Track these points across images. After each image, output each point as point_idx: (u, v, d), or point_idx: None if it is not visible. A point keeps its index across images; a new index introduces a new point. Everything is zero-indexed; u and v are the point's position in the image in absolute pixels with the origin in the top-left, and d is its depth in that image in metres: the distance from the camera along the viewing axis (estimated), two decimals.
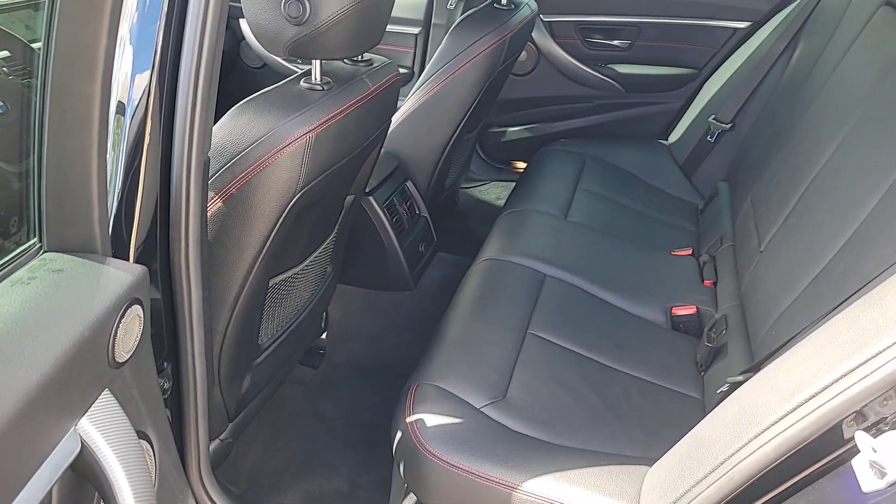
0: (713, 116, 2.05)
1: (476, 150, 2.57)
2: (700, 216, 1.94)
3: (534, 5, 1.90)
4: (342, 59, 1.12)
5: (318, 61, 1.00)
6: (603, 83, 2.31)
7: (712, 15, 2.17)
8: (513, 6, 1.75)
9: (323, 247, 1.26)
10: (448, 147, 1.76)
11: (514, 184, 2.14)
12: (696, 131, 2.13)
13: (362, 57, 1.14)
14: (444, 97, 1.66)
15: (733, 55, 2.17)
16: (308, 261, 1.21)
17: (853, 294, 0.87)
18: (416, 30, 2.37)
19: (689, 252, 1.69)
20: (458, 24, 1.67)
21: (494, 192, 2.61)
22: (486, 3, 1.77)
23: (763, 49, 2.00)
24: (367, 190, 1.54)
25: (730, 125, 2.02)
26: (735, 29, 2.17)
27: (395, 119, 1.70)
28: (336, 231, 1.31)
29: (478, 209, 2.55)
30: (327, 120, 0.96)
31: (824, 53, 1.67)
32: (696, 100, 2.25)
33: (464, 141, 1.93)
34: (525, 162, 2.56)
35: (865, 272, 0.94)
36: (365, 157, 1.21)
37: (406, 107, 1.71)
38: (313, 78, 1.01)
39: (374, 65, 1.15)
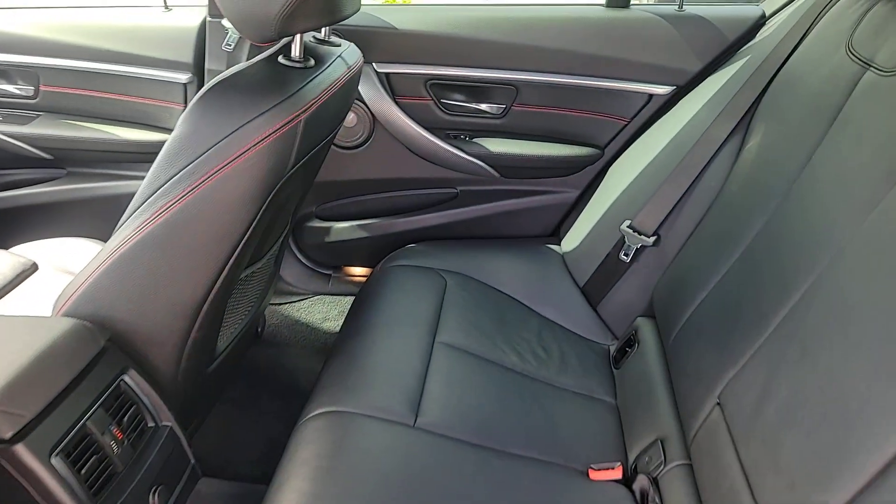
0: (627, 223, 1.36)
1: (291, 248, 1.76)
2: (615, 369, 1.31)
3: (356, 53, 1.15)
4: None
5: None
6: (469, 164, 1.58)
7: (620, 74, 1.49)
8: (311, 62, 0.98)
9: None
10: (210, 300, 0.94)
11: (347, 298, 1.69)
12: (602, 241, 1.43)
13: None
14: (189, 223, 0.86)
15: (649, 131, 1.50)
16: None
17: None
18: (184, 77, 1.54)
19: (617, 472, 1.02)
20: (207, 94, 0.86)
21: (320, 311, 1.80)
22: (268, 53, 0.99)
23: (695, 129, 1.34)
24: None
25: (653, 238, 1.33)
26: (650, 95, 1.50)
27: (95, 267, 0.90)
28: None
29: (296, 336, 1.73)
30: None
31: (798, 143, 1.04)
32: (598, 193, 1.56)
33: (247, 277, 1.13)
34: (362, 266, 1.79)
35: None
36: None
37: (117, 245, 0.88)
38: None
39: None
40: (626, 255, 1.37)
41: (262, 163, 0.84)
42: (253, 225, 0.89)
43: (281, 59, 0.94)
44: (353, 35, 1.46)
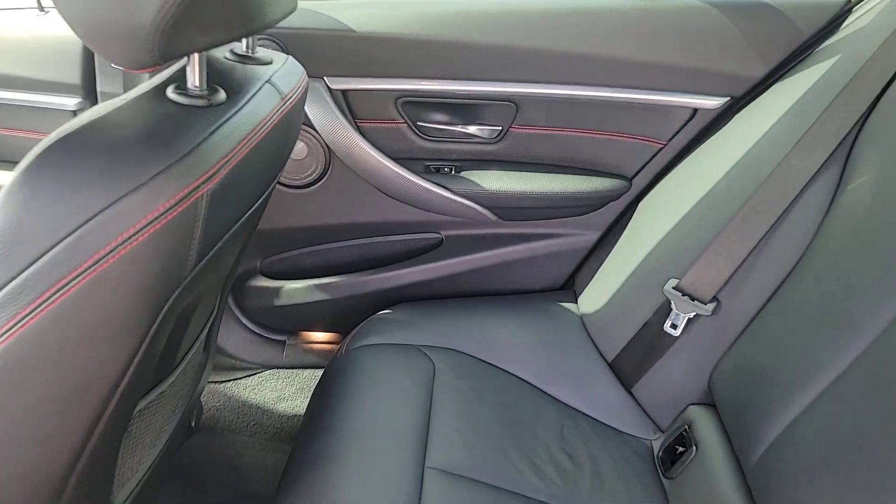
0: (673, 282, 1.01)
1: (232, 311, 1.39)
2: (666, 478, 0.99)
3: (296, 71, 0.82)
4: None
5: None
6: (456, 205, 1.20)
7: (654, 83, 1.12)
8: (221, 95, 0.65)
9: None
10: (85, 453, 0.63)
11: (306, 372, 1.35)
12: (638, 303, 1.08)
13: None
14: (25, 370, 0.53)
15: (693, 156, 1.14)
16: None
17: None
18: (72, 102, 1.14)
19: None
20: (38, 161, 0.47)
21: (273, 388, 1.43)
22: (152, 84, 0.62)
23: (764, 156, 0.98)
24: None
25: (711, 306, 0.98)
26: (695, 110, 1.14)
27: None
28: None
29: (243, 420, 1.36)
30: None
31: None
32: (626, 236, 1.20)
33: (152, 403, 0.79)
34: (325, 331, 1.43)
35: None
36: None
37: None
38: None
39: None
40: (675, 325, 1.01)
41: (139, 268, 0.52)
42: (140, 352, 0.59)
43: (171, 92, 0.61)
44: (293, 42, 1.08)
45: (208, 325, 0.95)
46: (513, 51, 1.10)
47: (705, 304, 0.98)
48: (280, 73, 0.78)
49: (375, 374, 1.02)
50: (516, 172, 1.21)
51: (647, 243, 1.10)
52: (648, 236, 1.11)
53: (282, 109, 0.74)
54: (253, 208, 0.77)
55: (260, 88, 0.71)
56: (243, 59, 0.78)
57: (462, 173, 1.21)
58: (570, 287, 1.34)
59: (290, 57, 0.86)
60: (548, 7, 1.10)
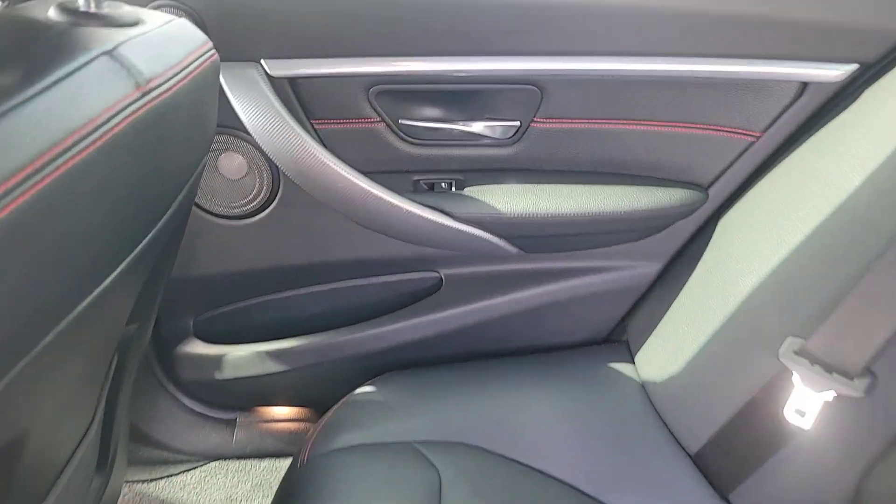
0: (795, 343, 0.67)
1: (160, 382, 1.03)
2: None
3: (189, 40, 0.46)
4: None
5: None
6: (459, 236, 0.84)
7: (742, 48, 0.76)
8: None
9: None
10: None
11: (264, 463, 1.02)
12: (734, 370, 0.74)
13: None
14: None
15: (801, 151, 0.79)
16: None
17: None
18: None
19: None
20: None
21: (220, 486, 1.06)
22: None
23: None
24: None
25: (862, 383, 0.64)
26: (804, 84, 0.78)
27: None
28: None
29: None
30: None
31: None
32: (705, 269, 0.84)
33: None
34: (287, 405, 1.08)
35: None
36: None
37: None
38: None
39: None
40: (802, 411, 0.67)
41: None
42: None
43: None
44: (210, 9, 0.72)
45: (97, 416, 0.60)
46: (534, 8, 0.74)
47: (852, 380, 0.64)
48: (141, 40, 0.43)
49: (353, 495, 0.68)
50: (542, 185, 0.85)
51: (740, 280, 0.75)
52: (740, 270, 0.76)
53: (139, 105, 0.39)
54: (136, 252, 0.44)
55: (84, 65, 0.36)
56: (76, 16, 0.44)
57: (466, 190, 0.86)
58: (621, 338, 0.99)
59: (176, 19, 0.51)
60: None
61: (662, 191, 0.85)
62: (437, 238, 0.83)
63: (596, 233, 0.86)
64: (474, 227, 0.83)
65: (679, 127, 0.82)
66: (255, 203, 0.87)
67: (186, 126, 0.49)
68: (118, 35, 0.44)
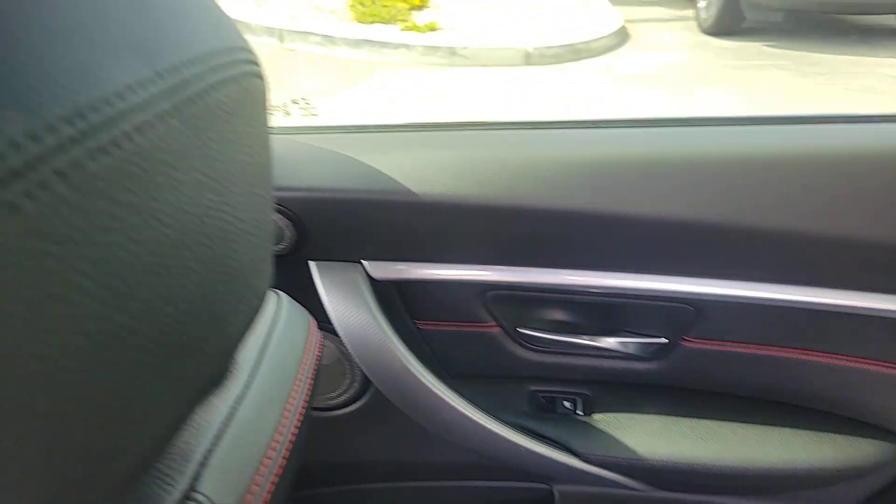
0: None
1: None
2: None
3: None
4: None
5: None
6: (584, 477, 0.69)
7: None
8: None
9: None
10: None
11: None
12: None
13: None
14: None
15: None
16: None
17: None
18: None
19: None
20: None
21: None
22: None
23: None
24: None
25: None
26: None
27: None
28: None
29: None
30: None
31: None
32: None
33: None
34: None
35: None
36: None
37: None
38: None
39: None
40: None
41: None
42: None
43: None
44: (307, 211, 0.63)
45: None
46: (697, 229, 0.59)
47: None
48: None
49: None
50: (695, 421, 0.69)
51: None
52: None
53: None
54: None
55: None
56: None
57: (595, 415, 0.71)
58: None
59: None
60: (771, 150, 0.59)
61: (853, 442, 0.66)
62: (555, 474, 0.69)
63: (761, 484, 0.69)
64: (602, 469, 0.67)
65: (870, 363, 0.64)
66: (341, 397, 0.76)
67: None
68: None
